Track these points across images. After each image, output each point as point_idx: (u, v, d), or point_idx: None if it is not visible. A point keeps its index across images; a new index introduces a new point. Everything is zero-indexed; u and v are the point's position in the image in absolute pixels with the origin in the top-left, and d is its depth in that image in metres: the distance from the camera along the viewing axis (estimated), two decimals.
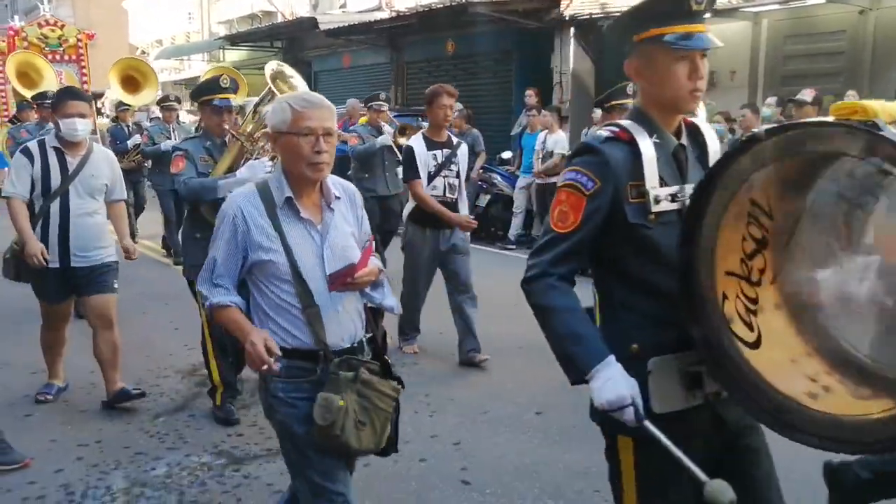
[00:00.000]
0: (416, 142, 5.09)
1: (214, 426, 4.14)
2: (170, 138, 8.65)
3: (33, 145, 4.28)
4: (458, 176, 5.12)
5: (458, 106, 10.99)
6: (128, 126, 9.80)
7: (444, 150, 5.07)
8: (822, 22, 9.94)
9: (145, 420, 4.23)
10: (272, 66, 4.46)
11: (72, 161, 4.22)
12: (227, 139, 4.21)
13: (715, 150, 1.94)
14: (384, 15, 16.30)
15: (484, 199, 10.68)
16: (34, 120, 8.60)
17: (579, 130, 10.90)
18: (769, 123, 8.36)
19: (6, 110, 12.51)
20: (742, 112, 8.04)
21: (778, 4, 9.92)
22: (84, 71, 12.63)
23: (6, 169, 5.81)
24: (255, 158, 4.10)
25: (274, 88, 4.26)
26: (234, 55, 21.75)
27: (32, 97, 8.18)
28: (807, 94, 6.80)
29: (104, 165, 4.36)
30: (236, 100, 8.74)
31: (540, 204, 9.79)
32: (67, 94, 4.36)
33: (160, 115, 10.41)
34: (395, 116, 11.20)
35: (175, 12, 26.94)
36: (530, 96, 10.77)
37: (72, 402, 4.50)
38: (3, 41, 13.33)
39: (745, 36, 10.86)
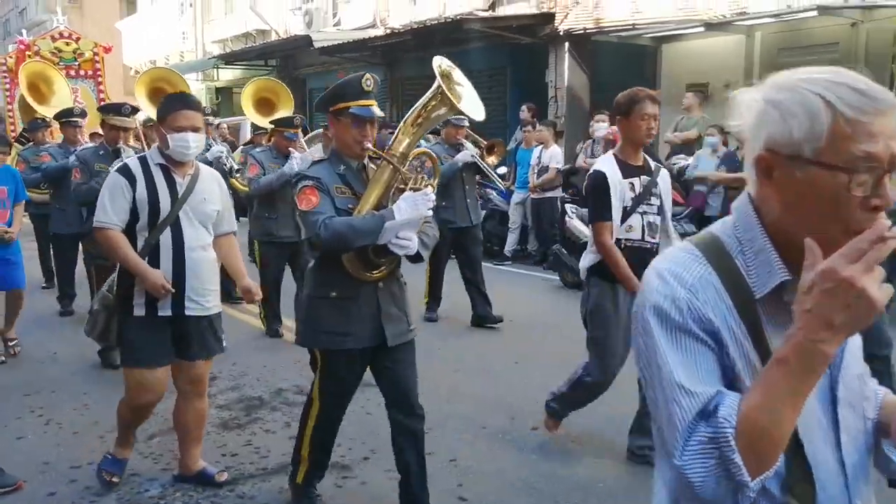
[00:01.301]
0: (608, 165, 3.69)
1: (209, 446, 4.09)
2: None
3: (134, 163, 3.40)
4: (659, 212, 3.75)
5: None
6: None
7: (643, 178, 3.70)
8: (814, 34, 10.01)
9: (139, 440, 4.16)
10: (440, 61, 3.21)
11: (180, 182, 3.38)
12: (365, 162, 3.11)
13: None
14: (378, 32, 16.38)
15: (479, 215, 10.69)
16: (49, 141, 8.00)
17: (574, 145, 10.94)
18: (501, 140, 8.44)
19: (14, 131, 11.41)
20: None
21: (771, 17, 9.99)
22: (101, 87, 11.70)
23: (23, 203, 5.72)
24: (412, 189, 3.01)
25: (445, 88, 3.06)
26: (228, 74, 21.84)
27: (57, 115, 7.31)
28: None
29: (215, 187, 3.52)
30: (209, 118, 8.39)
31: (535, 219, 9.79)
32: (178, 101, 3.44)
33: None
34: (389, 133, 11.26)
35: (169, 32, 27.05)
36: (525, 112, 10.81)
37: (65, 423, 4.45)
38: (13, 57, 12.49)
39: (738, 49, 10.93)
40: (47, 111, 9.05)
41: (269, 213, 6.16)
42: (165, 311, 3.32)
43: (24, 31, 14.47)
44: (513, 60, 13.48)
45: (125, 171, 3.36)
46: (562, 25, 12.51)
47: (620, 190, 3.62)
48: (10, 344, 5.81)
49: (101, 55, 11.81)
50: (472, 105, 3.24)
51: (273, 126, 6.55)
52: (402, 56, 15.93)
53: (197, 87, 22.65)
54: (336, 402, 3.24)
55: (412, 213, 2.87)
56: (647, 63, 12.25)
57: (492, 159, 6.79)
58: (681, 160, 8.81)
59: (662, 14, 11.22)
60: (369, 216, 2.89)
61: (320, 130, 8.06)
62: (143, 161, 3.41)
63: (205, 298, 3.40)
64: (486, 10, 14.30)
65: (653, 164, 3.82)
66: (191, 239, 3.36)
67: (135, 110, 5.32)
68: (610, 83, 10.11)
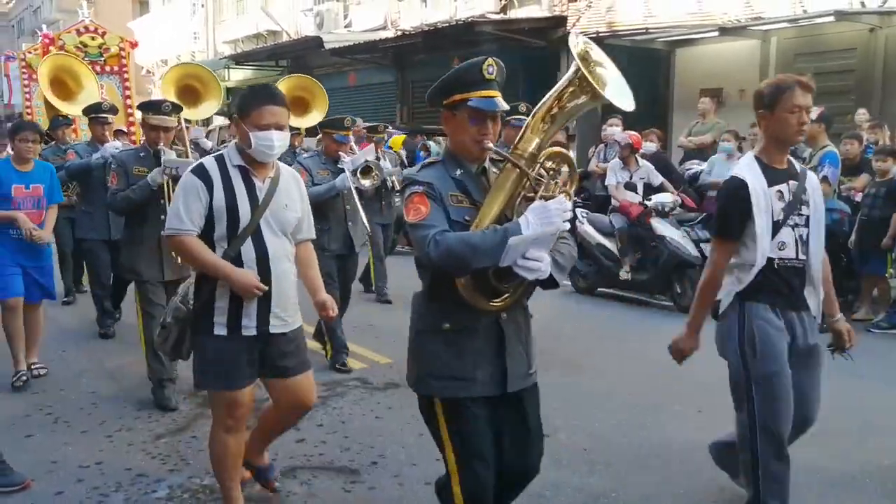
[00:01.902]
0: (751, 172, 3.00)
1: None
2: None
3: (210, 164, 3.01)
4: (808, 223, 3.03)
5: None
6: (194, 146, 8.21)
7: (791, 183, 3.02)
8: (831, 40, 9.93)
9: (147, 441, 4.15)
10: (577, 39, 2.57)
11: (260, 186, 3.01)
12: (486, 165, 2.55)
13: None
14: (389, 34, 16.38)
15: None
16: (73, 140, 7.59)
17: (587, 148, 10.88)
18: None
19: None
20: (753, 130, 8.01)
21: (787, 22, 9.92)
22: (127, 84, 11.04)
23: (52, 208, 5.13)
24: (542, 197, 2.41)
25: (586, 72, 2.42)
26: (239, 74, 21.88)
27: (85, 110, 6.82)
28: (813, 113, 6.76)
29: (295, 191, 3.16)
30: (187, 114, 7.18)
31: None
32: (263, 96, 3.01)
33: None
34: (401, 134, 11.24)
35: (180, 32, 27.13)
36: (523, 107, 10.72)
37: (73, 422, 4.43)
38: (34, 52, 11.97)
39: (753, 54, 10.86)
40: (71, 108, 8.47)
41: (322, 224, 4.97)
42: (250, 330, 2.98)
43: (43, 27, 14.44)
44: (524, 63, 13.42)
45: (201, 173, 2.98)
46: (573, 29, 12.45)
47: (766, 201, 2.94)
48: (34, 367, 5.22)
49: (127, 50, 11.05)
50: (618, 92, 2.48)
51: (322, 128, 5.91)
52: (413, 58, 15.92)
53: None
54: (479, 464, 2.49)
55: (543, 227, 2.29)
56: (660, 68, 12.19)
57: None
58: (694, 166, 8.75)
59: (676, 18, 11.16)
60: (490, 231, 2.31)
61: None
62: (221, 161, 3.02)
63: (288, 313, 3.08)
64: (498, 13, 14.28)
65: (798, 165, 3.12)
66: (275, 250, 3.01)
67: (176, 108, 4.86)
68: None
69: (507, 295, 2.47)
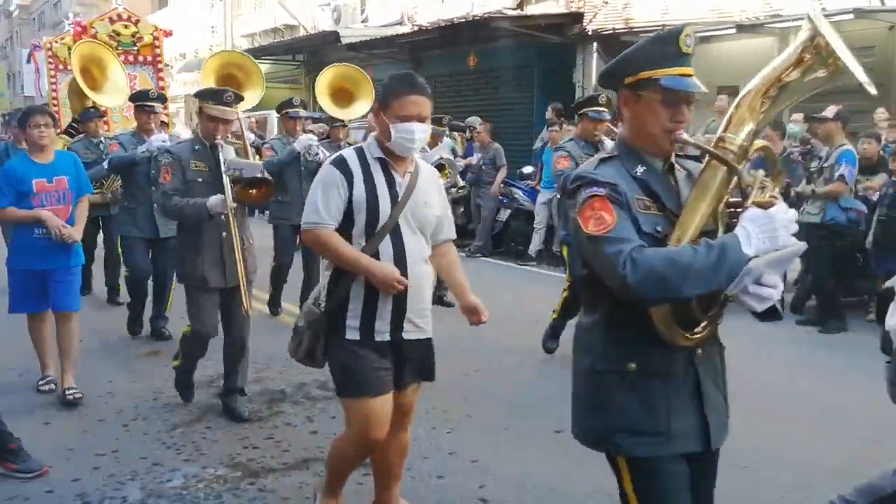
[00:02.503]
0: None
1: (231, 438, 4.11)
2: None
3: (351, 156, 2.83)
4: None
5: (478, 121, 11.06)
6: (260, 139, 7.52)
7: None
8: (850, 38, 9.61)
9: (162, 431, 4.21)
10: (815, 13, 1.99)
11: (400, 181, 2.82)
12: (673, 160, 2.04)
13: None
14: (406, 29, 16.38)
15: (504, 214, 10.67)
16: (103, 132, 7.08)
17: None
18: (796, 140, 8.26)
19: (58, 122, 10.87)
20: (764, 130, 7.97)
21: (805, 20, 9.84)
22: (161, 74, 10.56)
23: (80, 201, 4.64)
24: (756, 203, 1.88)
25: (829, 38, 1.89)
26: None
27: (132, 97, 6.35)
28: (829, 111, 6.72)
29: (434, 188, 2.96)
30: (245, 106, 7.03)
31: (562, 218, 9.74)
32: (406, 84, 2.76)
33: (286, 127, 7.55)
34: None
35: (198, 26, 27.28)
36: (550, 112, 10.74)
37: (90, 411, 4.50)
38: (61, 42, 11.42)
39: (771, 52, 10.75)
40: (100, 99, 7.97)
41: None
42: (383, 335, 2.79)
43: (70, 15, 14.19)
44: (540, 60, 13.40)
45: (342, 165, 2.79)
46: (590, 25, 12.42)
47: None
48: (69, 392, 4.57)
49: (161, 39, 10.48)
50: (859, 71, 1.93)
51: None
52: (429, 53, 15.92)
53: None
54: None
55: (769, 242, 1.78)
56: None
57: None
58: None
59: (693, 15, 11.09)
60: (704, 248, 1.76)
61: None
62: (361, 154, 2.84)
63: (423, 320, 2.88)
64: (514, 9, 14.24)
65: None
66: (413, 250, 2.81)
67: (238, 98, 4.30)
68: None
69: (705, 323, 1.96)
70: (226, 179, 4.09)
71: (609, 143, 5.21)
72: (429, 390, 4.77)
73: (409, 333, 2.83)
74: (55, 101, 11.03)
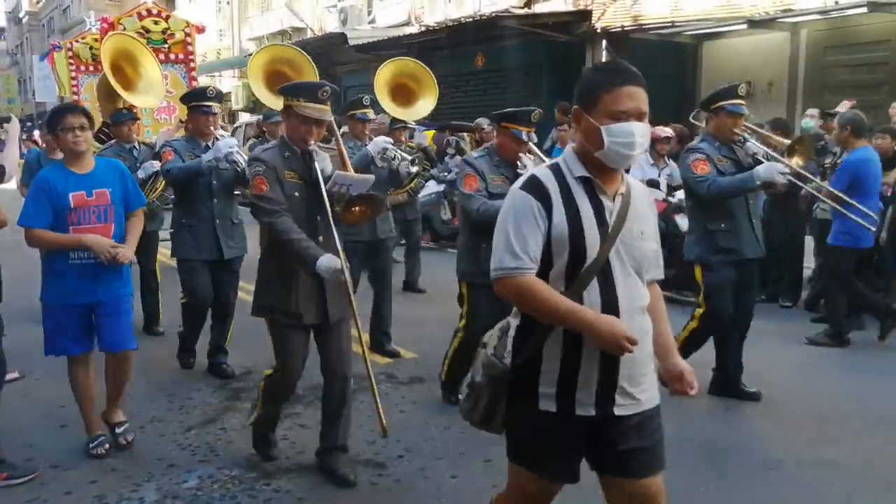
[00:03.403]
0: None
1: (246, 440, 4.11)
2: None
3: (546, 176, 2.20)
4: None
5: (486, 121, 11.04)
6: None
7: None
8: (863, 32, 9.77)
9: (177, 432, 4.22)
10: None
11: (610, 206, 2.19)
12: None
13: None
14: (413, 30, 16.40)
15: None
16: (137, 138, 6.24)
17: None
18: (810, 135, 8.19)
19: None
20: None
21: (818, 14, 9.76)
22: (193, 74, 9.66)
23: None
24: None
25: None
26: None
27: (185, 97, 5.23)
28: (842, 106, 6.68)
29: (649, 213, 2.31)
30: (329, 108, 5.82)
31: None
32: (616, 72, 2.15)
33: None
34: (422, 130, 11.22)
35: (206, 29, 27.43)
36: (558, 112, 10.70)
37: None
38: (82, 41, 10.79)
39: (783, 47, 10.72)
40: (134, 99, 7.07)
41: (488, 243, 3.36)
42: (587, 408, 2.17)
43: (92, 13, 13.52)
44: (549, 58, 13.38)
45: (537, 188, 2.16)
46: (599, 23, 12.39)
47: None
48: (119, 431, 4.02)
49: (193, 36, 9.53)
50: None
51: (500, 123, 4.64)
52: (437, 54, 15.92)
53: (233, 83, 22.92)
54: None
55: None
56: (687, 61, 12.08)
57: (795, 160, 4.69)
58: None
59: (703, 11, 11.04)
60: None
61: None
62: (558, 172, 2.20)
63: (640, 388, 2.20)
64: (522, 8, 14.24)
65: None
66: (627, 296, 2.16)
67: (334, 93, 3.46)
68: (648, 82, 9.96)
69: None
70: (326, 198, 3.39)
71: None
72: (439, 392, 4.78)
73: (621, 408, 2.18)
74: (77, 103, 10.42)
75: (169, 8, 24.01)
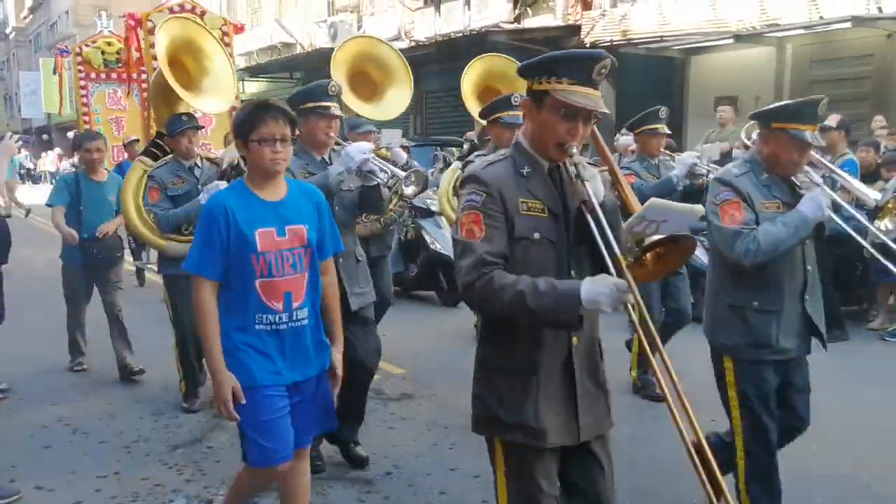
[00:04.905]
0: None
1: (233, 458, 4.07)
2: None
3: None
4: None
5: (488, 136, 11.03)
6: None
7: None
8: (848, 46, 9.88)
9: (164, 452, 4.17)
10: None
11: None
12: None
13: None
14: (403, 45, 16.45)
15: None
16: (199, 152, 4.87)
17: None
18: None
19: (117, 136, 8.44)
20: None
21: (803, 29, 9.87)
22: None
23: None
24: None
25: None
26: (253, 87, 22.06)
27: (294, 97, 3.68)
28: (832, 120, 6.73)
29: None
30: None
31: None
32: None
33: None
34: (413, 146, 11.22)
35: (244, 28, 27.34)
36: None
37: (91, 433, 4.46)
38: (92, 45, 9.85)
39: (769, 61, 10.81)
40: (200, 103, 5.34)
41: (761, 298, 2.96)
42: None
43: (105, 15, 11.20)
44: None
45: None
46: (588, 38, 12.47)
47: None
48: None
49: (231, 35, 8.06)
50: None
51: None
52: (427, 68, 15.98)
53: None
54: None
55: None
56: (675, 75, 12.17)
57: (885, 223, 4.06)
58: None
59: (691, 25, 11.15)
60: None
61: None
62: None
63: None
64: (512, 23, 14.32)
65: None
66: None
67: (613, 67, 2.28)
68: (637, 95, 10.04)
69: None
70: (601, 238, 2.06)
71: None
72: (430, 407, 4.75)
73: None
74: (86, 117, 9.47)
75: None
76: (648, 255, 2.17)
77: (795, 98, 3.06)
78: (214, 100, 5.43)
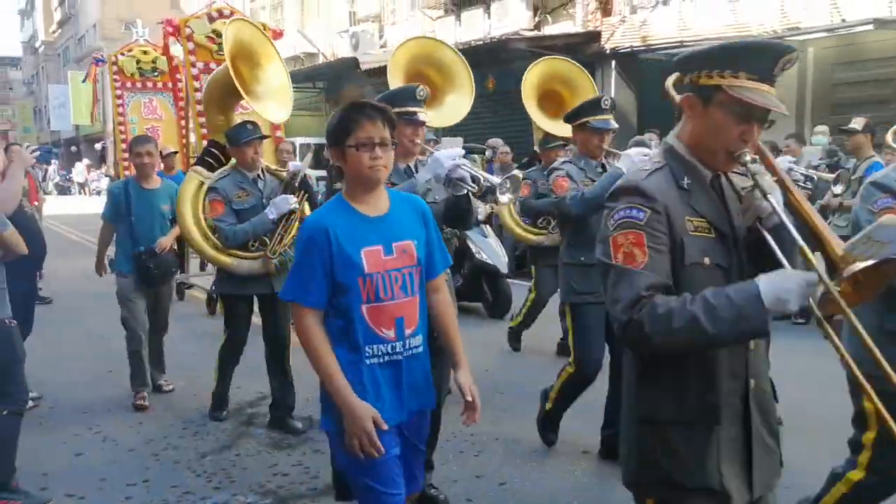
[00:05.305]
0: None
1: (261, 466, 4.12)
2: None
3: None
4: None
5: (501, 142, 11.08)
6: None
7: None
8: (870, 49, 9.79)
9: (192, 459, 4.23)
10: None
11: None
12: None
13: None
14: None
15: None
16: (262, 163, 4.59)
17: None
18: (820, 152, 8.19)
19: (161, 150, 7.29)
20: (787, 142, 7.93)
21: (824, 32, 9.79)
22: None
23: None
24: None
25: None
26: None
27: (388, 98, 3.40)
28: (857, 123, 6.68)
29: None
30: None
31: None
32: None
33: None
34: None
35: (283, 34, 27.64)
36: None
37: (120, 441, 4.54)
38: (128, 53, 9.77)
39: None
40: (264, 110, 5.27)
41: None
42: None
43: (141, 27, 10.90)
44: None
45: None
46: (608, 44, 12.47)
47: None
48: None
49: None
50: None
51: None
52: None
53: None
54: None
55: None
56: None
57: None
58: None
59: (711, 31, 11.09)
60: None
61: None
62: None
63: None
64: (532, 30, 14.35)
65: None
66: None
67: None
68: (658, 101, 10.01)
69: None
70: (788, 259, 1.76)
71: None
72: (455, 414, 4.74)
73: None
74: (122, 127, 9.33)
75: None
76: (872, 273, 1.70)
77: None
78: (276, 106, 5.22)
